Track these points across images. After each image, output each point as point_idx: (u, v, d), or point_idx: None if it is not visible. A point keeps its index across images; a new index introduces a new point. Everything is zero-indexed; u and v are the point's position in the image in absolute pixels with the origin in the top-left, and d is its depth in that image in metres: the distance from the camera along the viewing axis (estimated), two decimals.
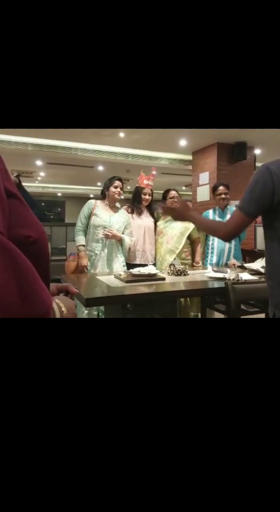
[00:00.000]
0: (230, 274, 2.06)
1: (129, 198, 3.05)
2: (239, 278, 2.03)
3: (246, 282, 1.96)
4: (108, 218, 2.56)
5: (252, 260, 3.32)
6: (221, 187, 2.81)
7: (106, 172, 6.99)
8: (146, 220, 2.78)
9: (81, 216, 2.60)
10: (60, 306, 0.54)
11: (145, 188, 2.72)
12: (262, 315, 2.03)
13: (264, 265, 1.30)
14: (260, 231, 5.12)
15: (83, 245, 2.56)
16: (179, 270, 2.25)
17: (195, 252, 2.86)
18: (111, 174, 2.71)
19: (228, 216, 2.72)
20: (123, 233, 2.59)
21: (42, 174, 9.10)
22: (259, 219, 1.25)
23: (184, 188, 9.59)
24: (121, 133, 5.06)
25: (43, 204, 13.25)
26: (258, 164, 5.59)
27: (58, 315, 0.52)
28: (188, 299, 2.71)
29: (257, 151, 5.71)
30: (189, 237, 2.77)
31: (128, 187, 8.79)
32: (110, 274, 2.27)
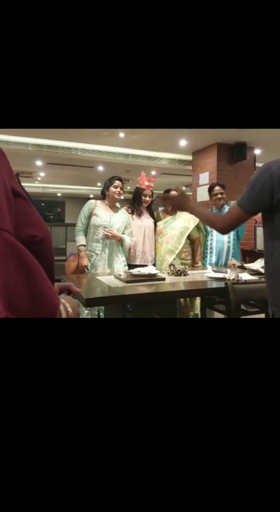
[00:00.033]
0: (230, 274, 2.06)
1: (129, 198, 3.05)
2: (239, 278, 2.03)
3: (246, 282, 1.96)
4: (108, 218, 2.56)
5: (252, 260, 3.32)
6: (217, 187, 2.83)
7: (106, 172, 6.99)
8: (146, 221, 2.78)
9: (81, 216, 2.60)
10: (66, 306, 0.54)
11: (145, 189, 2.72)
12: (262, 315, 2.03)
13: (264, 265, 1.30)
14: (260, 231, 5.11)
15: (84, 245, 2.56)
16: (179, 270, 2.25)
17: (194, 252, 2.87)
18: (111, 174, 2.71)
19: None
20: (123, 233, 2.59)
21: (42, 174, 9.10)
22: (259, 219, 1.25)
23: (184, 188, 9.59)
24: (121, 133, 5.06)
25: (43, 204, 13.26)
26: (258, 164, 5.60)
27: (64, 315, 0.52)
28: (187, 299, 2.71)
29: (257, 151, 5.72)
30: (189, 237, 2.77)
31: (128, 187, 8.79)
32: (111, 274, 2.27)
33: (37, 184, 10.61)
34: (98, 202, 2.64)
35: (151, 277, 2.05)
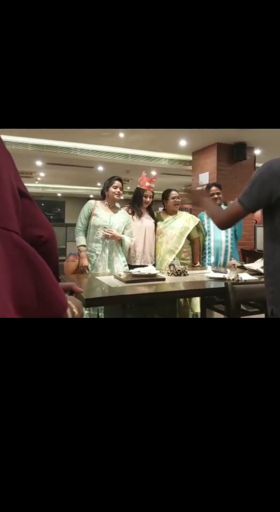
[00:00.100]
0: (230, 274, 2.06)
1: (129, 199, 3.05)
2: (239, 278, 2.03)
3: (246, 282, 1.96)
4: (108, 218, 2.56)
5: (252, 260, 3.33)
6: (213, 187, 2.85)
7: (106, 172, 6.99)
8: (146, 221, 2.78)
9: (81, 217, 2.60)
10: (71, 307, 0.54)
11: (146, 190, 2.72)
12: (262, 315, 2.03)
13: (263, 265, 1.30)
14: (260, 231, 5.13)
15: (84, 246, 2.56)
16: (179, 270, 2.25)
17: (194, 252, 2.87)
18: (111, 174, 2.71)
19: None
20: (123, 233, 2.59)
21: (42, 174, 9.10)
22: (259, 219, 1.26)
23: (183, 188, 9.60)
24: (121, 133, 5.06)
25: (43, 204, 13.26)
26: (258, 164, 5.60)
27: (70, 316, 0.52)
28: (187, 299, 2.72)
29: (257, 152, 5.72)
30: (188, 237, 2.77)
31: (128, 188, 8.80)
32: (111, 274, 2.27)
33: (37, 184, 10.62)
34: (98, 202, 2.64)
35: (151, 277, 2.05)
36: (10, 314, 0.33)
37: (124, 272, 2.27)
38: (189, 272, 2.32)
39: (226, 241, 2.85)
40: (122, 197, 2.72)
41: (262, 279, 1.92)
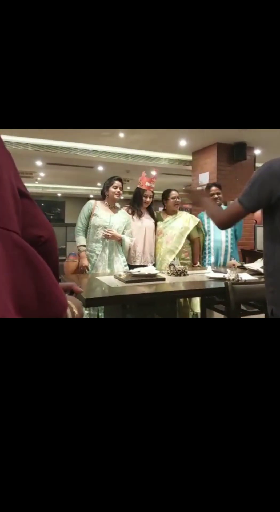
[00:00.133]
0: (230, 274, 2.06)
1: (129, 199, 3.05)
2: (239, 279, 2.03)
3: (246, 282, 1.96)
4: (108, 218, 2.56)
5: (252, 260, 3.33)
6: (213, 187, 2.85)
7: (106, 173, 6.99)
8: (146, 221, 2.78)
9: (81, 217, 2.60)
10: (71, 307, 0.54)
11: (146, 190, 2.72)
12: (262, 316, 2.03)
13: (263, 265, 1.30)
14: (260, 231, 5.13)
15: (84, 246, 2.56)
16: (179, 270, 2.25)
17: (194, 252, 2.87)
18: (111, 174, 2.71)
19: None
20: (123, 233, 2.59)
21: (42, 174, 9.10)
22: (259, 219, 1.26)
23: (183, 188, 9.60)
24: (121, 133, 5.06)
25: (43, 204, 13.26)
26: (258, 165, 5.60)
27: (70, 316, 0.52)
28: (187, 299, 2.72)
29: (257, 152, 5.72)
30: (188, 237, 2.77)
31: (128, 187, 8.80)
32: (111, 275, 2.27)
33: (37, 184, 10.62)
34: (98, 202, 2.64)
35: (151, 277, 2.05)
36: (10, 314, 0.33)
37: (124, 272, 2.27)
38: (189, 272, 2.32)
39: (226, 241, 2.85)
40: (122, 197, 2.72)
41: (262, 279, 1.92)
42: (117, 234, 2.53)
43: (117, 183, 2.59)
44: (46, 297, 0.40)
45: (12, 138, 5.21)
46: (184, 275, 2.24)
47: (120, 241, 2.58)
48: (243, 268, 2.51)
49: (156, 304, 2.43)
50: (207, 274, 2.30)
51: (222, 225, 1.33)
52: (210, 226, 2.85)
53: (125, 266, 2.60)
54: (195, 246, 2.86)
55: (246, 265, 2.58)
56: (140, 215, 2.76)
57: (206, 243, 2.90)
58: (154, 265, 2.68)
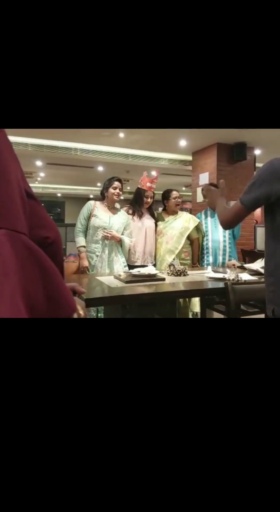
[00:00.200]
0: (230, 275, 2.06)
1: (129, 199, 3.05)
2: (239, 279, 2.03)
3: (246, 282, 1.96)
4: (108, 219, 2.56)
5: (252, 260, 3.33)
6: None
7: (106, 173, 7.00)
8: (146, 222, 2.78)
9: (81, 217, 2.60)
10: (77, 309, 0.54)
11: (147, 190, 2.72)
12: (262, 316, 2.03)
13: (264, 264, 1.30)
14: (260, 231, 5.13)
15: (84, 246, 2.56)
16: (178, 270, 2.25)
17: (193, 252, 2.87)
18: (111, 175, 2.71)
19: None
20: (122, 234, 2.59)
21: (42, 174, 9.10)
22: (260, 219, 1.26)
23: (184, 188, 9.60)
24: (121, 134, 5.06)
25: (42, 204, 13.22)
26: (258, 165, 5.60)
27: (75, 316, 0.53)
28: (187, 299, 2.72)
29: (257, 152, 5.72)
30: (188, 238, 2.77)
31: (128, 188, 8.80)
32: (111, 275, 2.27)
33: (37, 184, 10.62)
34: (98, 203, 2.64)
35: (151, 277, 2.05)
36: (21, 315, 0.34)
37: (124, 272, 2.27)
38: (189, 272, 2.32)
39: (224, 241, 2.85)
40: (122, 197, 2.72)
41: (262, 279, 1.92)
42: (117, 234, 2.53)
43: (116, 184, 2.58)
44: (55, 298, 0.40)
45: (12, 138, 5.18)
46: (184, 275, 2.24)
47: (120, 242, 2.57)
48: (243, 268, 2.51)
49: (156, 304, 2.43)
50: (207, 274, 2.30)
51: (226, 225, 1.33)
52: (208, 226, 2.85)
53: (125, 266, 2.60)
54: (194, 247, 2.86)
55: (246, 265, 2.58)
56: (140, 216, 2.75)
57: (204, 243, 2.90)
58: (154, 265, 2.68)
